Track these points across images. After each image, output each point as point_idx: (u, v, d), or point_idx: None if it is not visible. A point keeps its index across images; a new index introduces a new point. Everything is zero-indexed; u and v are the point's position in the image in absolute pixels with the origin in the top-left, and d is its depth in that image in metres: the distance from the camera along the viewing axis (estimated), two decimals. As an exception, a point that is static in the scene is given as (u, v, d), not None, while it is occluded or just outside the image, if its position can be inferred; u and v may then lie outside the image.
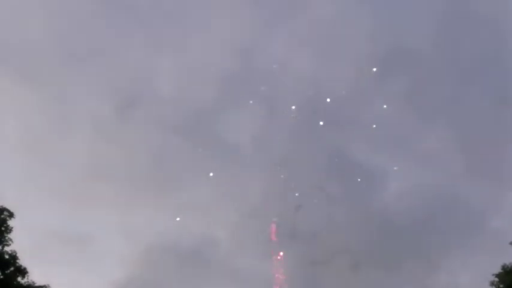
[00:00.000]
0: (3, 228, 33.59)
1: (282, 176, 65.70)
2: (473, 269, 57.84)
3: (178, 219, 61.66)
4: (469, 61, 76.39)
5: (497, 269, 37.91)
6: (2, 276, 33.12)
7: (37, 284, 34.08)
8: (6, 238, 33.71)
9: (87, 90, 75.57)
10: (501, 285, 37.19)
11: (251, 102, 72.14)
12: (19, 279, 33.61)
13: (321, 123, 62.97)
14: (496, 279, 37.34)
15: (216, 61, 77.54)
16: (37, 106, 73.53)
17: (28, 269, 34.35)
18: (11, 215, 34.08)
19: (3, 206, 33.97)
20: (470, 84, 76.45)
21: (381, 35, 77.96)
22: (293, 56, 77.78)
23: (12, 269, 33.43)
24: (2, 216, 33.66)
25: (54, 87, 74.97)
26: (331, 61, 76.81)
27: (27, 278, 33.82)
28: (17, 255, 33.73)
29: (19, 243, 36.39)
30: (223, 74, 74.97)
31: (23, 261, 34.29)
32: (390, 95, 74.78)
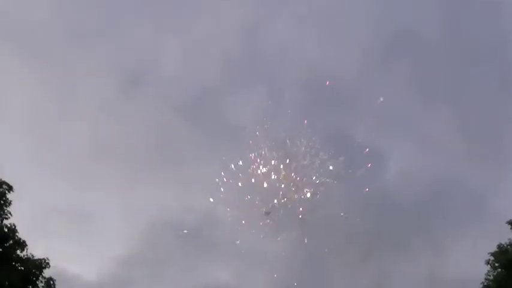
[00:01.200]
0: (2, 202, 33.86)
1: (285, 156, 65.59)
2: (472, 248, 58.00)
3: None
4: (472, 44, 75.95)
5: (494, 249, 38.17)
6: (1, 249, 33.51)
7: (36, 257, 34.53)
8: (5, 211, 34.02)
9: (91, 69, 75.36)
10: (496, 264, 37.45)
11: (255, 82, 72.16)
12: (18, 252, 34.01)
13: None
14: (492, 258, 37.56)
15: (221, 41, 77.31)
16: (41, 84, 73.59)
17: (29, 244, 34.85)
18: (10, 188, 34.30)
19: (2, 180, 34.18)
20: (473, 67, 76.06)
21: (385, 17, 77.49)
22: (297, 37, 77.42)
23: (11, 242, 33.77)
24: (1, 189, 33.91)
25: (59, 65, 74.90)
26: (336, 43, 76.51)
27: (26, 251, 34.26)
28: (16, 228, 34.18)
29: (21, 220, 36.80)
30: (228, 54, 74.79)
31: (24, 236, 34.75)
32: (393, 77, 74.57)
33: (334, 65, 74.46)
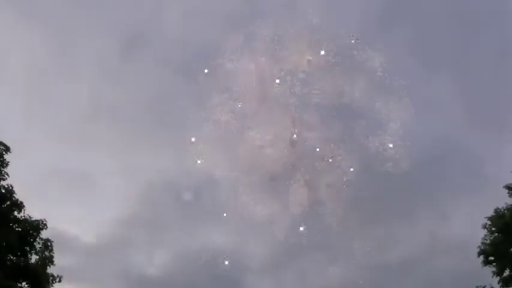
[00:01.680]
0: (-1, 162, 33.81)
1: (285, 119, 65.30)
2: (470, 212, 58.20)
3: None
4: (472, 11, 74.96)
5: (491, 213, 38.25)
6: (-2, 210, 33.61)
7: (33, 219, 34.60)
8: (2, 172, 33.92)
9: (90, 30, 74.38)
10: (493, 228, 37.57)
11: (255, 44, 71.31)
12: (15, 213, 34.10)
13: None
14: (489, 222, 37.66)
15: (222, 2, 76.20)
16: (40, 44, 72.69)
17: (28, 206, 34.88)
18: (7, 149, 34.10)
19: (-1, 140, 34.03)
20: (474, 34, 75.18)
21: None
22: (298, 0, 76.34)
23: (8, 203, 33.84)
24: (-2, 150, 33.79)
25: (58, 26, 73.98)
26: (336, 6, 75.53)
27: (24, 212, 34.32)
28: (14, 189, 34.14)
29: (19, 181, 36.74)
30: (230, 15, 73.79)
31: (22, 198, 34.74)
32: (393, 42, 73.81)
33: (332, 29, 73.60)
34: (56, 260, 35.08)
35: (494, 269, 37.27)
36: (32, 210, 35.07)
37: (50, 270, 35.00)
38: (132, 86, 75.06)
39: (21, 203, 34.19)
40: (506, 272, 36.84)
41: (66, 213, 64.10)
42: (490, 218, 37.58)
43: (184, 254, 70.12)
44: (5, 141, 34.39)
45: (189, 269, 68.58)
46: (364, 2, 75.23)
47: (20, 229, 33.85)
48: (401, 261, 65.00)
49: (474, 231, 40.29)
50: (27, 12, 71.12)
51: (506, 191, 37.37)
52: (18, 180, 36.10)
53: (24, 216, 34.28)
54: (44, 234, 34.87)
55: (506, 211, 37.05)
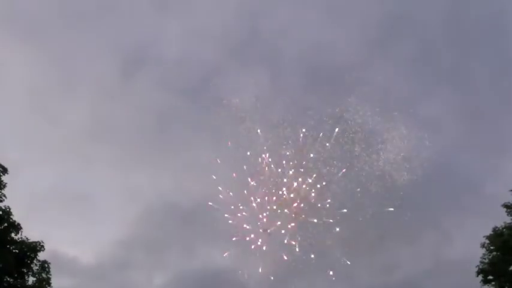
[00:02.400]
0: (-4, 184, 33.77)
1: (284, 138, 65.51)
2: (468, 232, 58.15)
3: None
4: (473, 30, 75.68)
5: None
6: (-5, 232, 33.54)
7: (31, 240, 34.54)
8: (0, 194, 34.00)
9: (92, 50, 75.08)
10: (492, 247, 37.39)
11: (256, 65, 71.98)
12: (13, 235, 34.02)
13: None
14: (487, 241, 37.50)
15: (222, 24, 76.83)
16: (41, 65, 73.21)
17: (27, 227, 34.83)
18: (5, 170, 34.06)
19: (-2, 162, 34.04)
20: (474, 53, 75.89)
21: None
22: (297, 18, 76.93)
23: (5, 224, 33.74)
24: (-5, 172, 33.78)
25: (59, 46, 74.57)
26: (337, 25, 76.13)
27: (21, 234, 34.29)
28: (11, 211, 34.08)
29: (19, 202, 36.73)
30: (229, 37, 74.41)
31: (22, 219, 34.69)
32: (394, 60, 74.37)
33: (334, 46, 74.18)
34: (55, 281, 35.09)
35: (493, 287, 37.08)
36: (31, 231, 35.18)
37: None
38: (133, 107, 75.47)
39: (19, 224, 34.14)
40: (506, 291, 36.62)
41: (65, 235, 64.04)
42: (488, 237, 37.41)
43: (183, 275, 69.97)
44: (5, 162, 34.42)
45: (188, 290, 68.55)
46: (365, 20, 75.94)
47: (17, 251, 33.80)
48: (402, 280, 64.94)
49: (474, 250, 40.18)
50: (28, 33, 71.75)
51: (504, 209, 37.28)
52: (17, 201, 36.15)
53: (21, 237, 34.27)
54: (42, 255, 34.93)
55: (504, 229, 36.91)
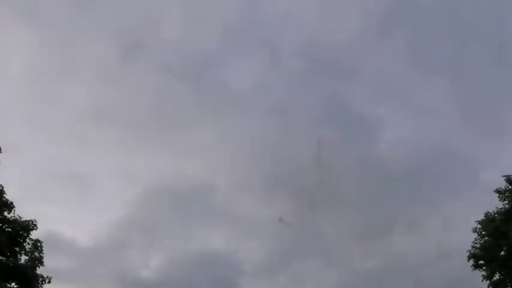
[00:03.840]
0: (-12, 163, 33.76)
1: (280, 123, 65.95)
2: (463, 217, 58.49)
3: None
4: (470, 18, 75.66)
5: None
6: (-14, 211, 33.60)
7: (24, 219, 34.62)
8: (-8, 173, 34.00)
9: (91, 33, 75.35)
10: (484, 232, 37.46)
11: (254, 48, 72.10)
12: (5, 213, 34.06)
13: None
14: (479, 226, 37.56)
15: (220, 7, 76.79)
16: (40, 47, 73.78)
17: (26, 207, 34.89)
18: (-1, 149, 34.14)
19: (-11, 140, 33.93)
20: (471, 40, 75.89)
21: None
22: (297, 4, 76.93)
23: (-2, 203, 33.89)
24: (-14, 150, 33.69)
25: (58, 29, 74.87)
26: (336, 12, 76.08)
27: (14, 213, 34.30)
28: (4, 189, 34.09)
29: (18, 182, 36.95)
30: (228, 21, 74.43)
31: (21, 199, 34.74)
32: (392, 47, 74.46)
33: (333, 32, 74.28)
34: (52, 261, 35.40)
35: (484, 272, 37.14)
36: (29, 211, 35.24)
37: (42, 271, 35.13)
38: (131, 89, 75.73)
39: (12, 203, 34.11)
40: (496, 276, 36.71)
41: (63, 215, 64.70)
42: (480, 222, 37.47)
43: (179, 257, 70.48)
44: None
45: (185, 272, 68.97)
46: (363, 9, 75.75)
47: (9, 229, 33.83)
48: (396, 265, 65.33)
49: (467, 235, 40.24)
50: (27, 16, 72.01)
51: (497, 195, 37.29)
52: (16, 181, 36.36)
53: (14, 216, 34.23)
54: (41, 236, 35.04)
55: (496, 215, 36.93)
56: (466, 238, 38.68)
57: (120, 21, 74.88)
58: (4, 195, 34.04)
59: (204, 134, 67.82)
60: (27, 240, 34.48)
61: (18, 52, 71.08)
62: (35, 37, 71.22)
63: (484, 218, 37.52)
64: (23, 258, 34.40)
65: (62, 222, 65.30)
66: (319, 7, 75.05)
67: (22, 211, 34.73)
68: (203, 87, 70.33)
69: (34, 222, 34.53)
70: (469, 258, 37.63)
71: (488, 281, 36.89)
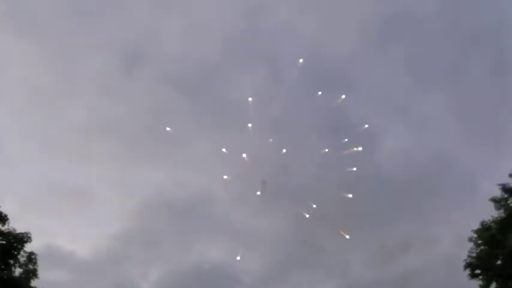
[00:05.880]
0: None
1: (278, 136, 66.09)
2: (460, 227, 58.20)
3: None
4: (469, 29, 75.74)
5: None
6: (-20, 224, 33.60)
7: (18, 231, 34.61)
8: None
9: (91, 46, 75.23)
10: (479, 241, 37.23)
11: (254, 62, 72.52)
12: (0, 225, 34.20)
13: (319, 93, 63.75)
14: (475, 235, 37.36)
15: (221, 20, 77.00)
16: (41, 60, 73.51)
17: (26, 221, 34.85)
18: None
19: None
20: (470, 52, 75.95)
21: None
22: (296, 16, 77.17)
23: (-9, 216, 33.88)
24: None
25: (58, 43, 74.79)
26: (335, 24, 76.33)
27: (8, 225, 34.37)
28: (-3, 202, 34.12)
29: (17, 195, 36.91)
30: (229, 34, 74.64)
31: (20, 212, 34.65)
32: (391, 58, 74.70)
33: (332, 45, 74.56)
34: (51, 274, 35.39)
35: (481, 282, 36.86)
36: (29, 225, 35.32)
37: (38, 283, 35.13)
38: (131, 103, 75.59)
39: (6, 215, 34.20)
40: (493, 286, 36.41)
41: (62, 228, 64.54)
42: (476, 231, 37.27)
43: (178, 269, 70.30)
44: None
45: (184, 284, 68.80)
46: (362, 21, 75.95)
47: (3, 242, 33.84)
48: (395, 274, 65.14)
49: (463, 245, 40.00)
50: (27, 29, 71.99)
51: (492, 203, 37.12)
52: (16, 194, 36.31)
53: (8, 229, 34.27)
54: (40, 249, 35.26)
55: (492, 224, 36.74)
56: (464, 248, 38.53)
57: (119, 35, 74.94)
58: (-2, 207, 34.09)
59: (203, 147, 67.65)
60: (21, 252, 34.43)
61: (16, 66, 71.15)
62: (33, 51, 71.26)
63: (479, 227, 37.32)
64: (17, 271, 34.36)
65: (61, 236, 65.09)
66: (319, 19, 75.15)
67: (22, 224, 34.95)
68: (203, 99, 70.27)
69: (28, 235, 34.59)
70: (465, 267, 37.36)
71: (485, 291, 36.64)
